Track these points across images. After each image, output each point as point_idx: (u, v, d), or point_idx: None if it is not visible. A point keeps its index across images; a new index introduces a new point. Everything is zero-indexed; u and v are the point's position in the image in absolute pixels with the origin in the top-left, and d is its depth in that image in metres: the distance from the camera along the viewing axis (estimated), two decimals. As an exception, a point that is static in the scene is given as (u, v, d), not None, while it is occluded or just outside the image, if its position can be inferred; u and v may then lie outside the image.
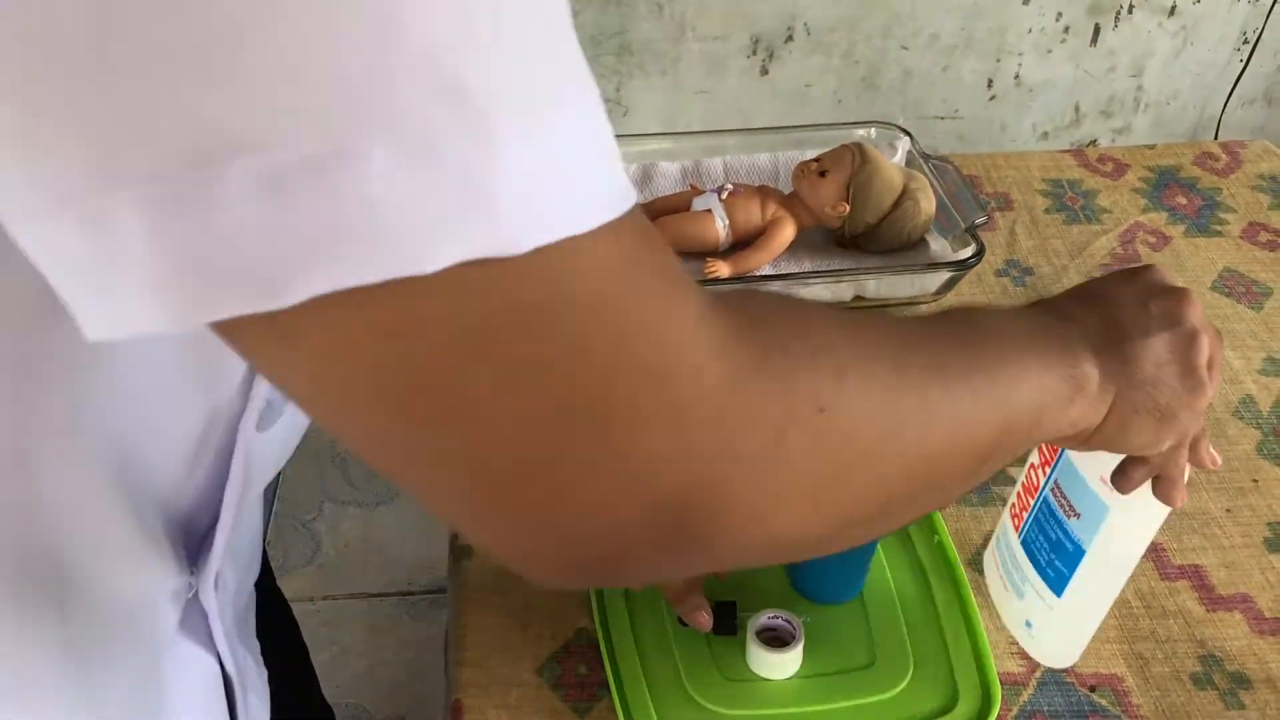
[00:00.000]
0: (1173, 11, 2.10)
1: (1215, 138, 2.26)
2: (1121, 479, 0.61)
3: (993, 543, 0.77)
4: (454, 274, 0.27)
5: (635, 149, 1.15)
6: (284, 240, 0.26)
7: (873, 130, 1.16)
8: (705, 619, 0.75)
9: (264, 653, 0.67)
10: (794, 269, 1.05)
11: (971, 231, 1.03)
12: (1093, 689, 0.76)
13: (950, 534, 0.84)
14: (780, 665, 0.74)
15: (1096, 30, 2.11)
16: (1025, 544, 0.72)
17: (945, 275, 1.03)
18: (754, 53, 2.06)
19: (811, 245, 1.07)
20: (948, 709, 0.73)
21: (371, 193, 0.26)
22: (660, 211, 1.07)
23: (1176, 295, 0.54)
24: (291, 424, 0.53)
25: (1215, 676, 0.77)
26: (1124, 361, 0.51)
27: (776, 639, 0.75)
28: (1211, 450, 0.61)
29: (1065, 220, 1.18)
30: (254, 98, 0.25)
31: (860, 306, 1.05)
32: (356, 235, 0.26)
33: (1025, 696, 0.76)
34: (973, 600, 0.80)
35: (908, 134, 1.14)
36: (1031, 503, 0.71)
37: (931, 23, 2.05)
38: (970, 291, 1.08)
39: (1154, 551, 0.84)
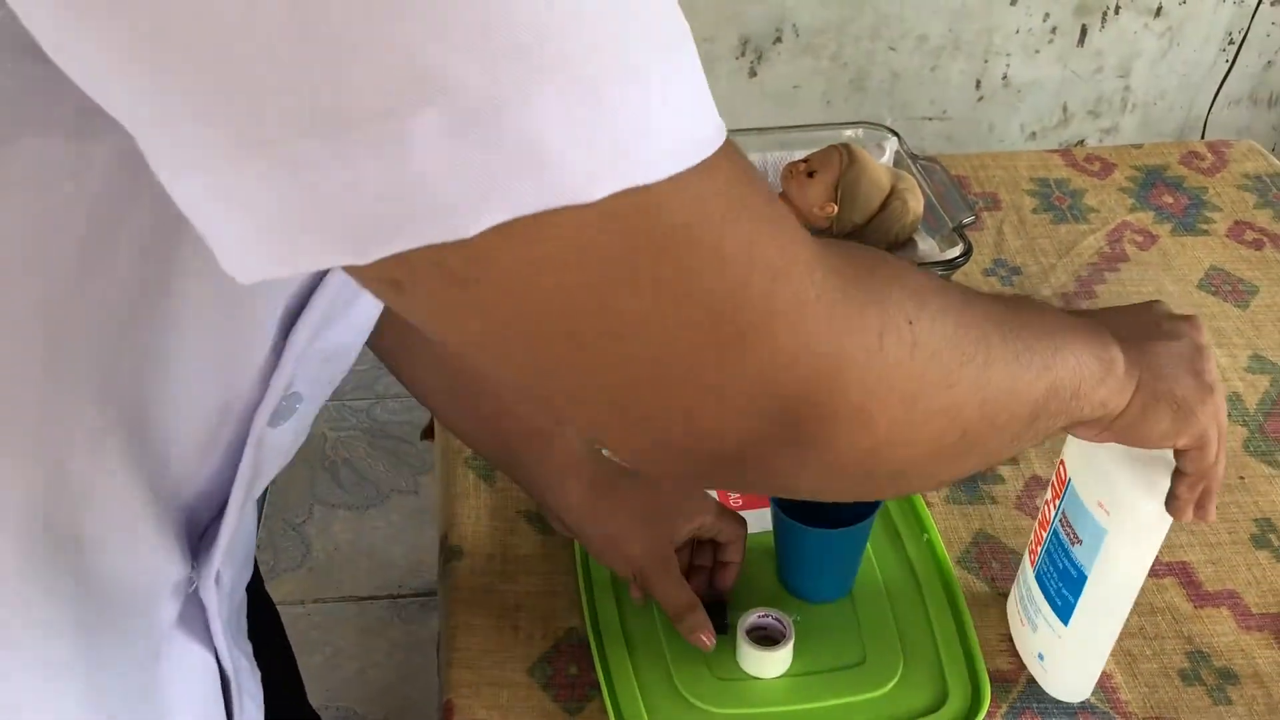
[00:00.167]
0: (1159, 12, 2.12)
1: (1202, 137, 2.27)
2: (1172, 501, 0.63)
3: (1014, 583, 0.78)
4: (611, 203, 0.30)
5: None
6: (466, 177, 0.28)
7: (861, 131, 1.16)
8: (707, 641, 0.75)
9: (252, 656, 0.67)
10: (783, 269, 1.05)
11: (959, 231, 1.03)
12: (1082, 686, 0.77)
13: (939, 532, 0.85)
14: (771, 663, 0.75)
15: (1084, 31, 2.12)
16: (1038, 576, 0.73)
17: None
18: (742, 54, 2.06)
19: (800, 245, 1.07)
20: (938, 706, 0.74)
21: (542, 132, 0.28)
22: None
23: (1186, 317, 0.60)
24: (299, 424, 0.53)
25: (1203, 672, 0.77)
26: (1145, 355, 0.56)
27: (767, 637, 0.76)
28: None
29: (1053, 220, 1.18)
30: (444, 48, 0.27)
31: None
32: (528, 171, 0.29)
33: (1015, 693, 0.76)
34: (962, 598, 0.80)
35: (896, 135, 1.15)
36: (1044, 535, 0.72)
37: (919, 24, 2.06)
38: (958, 291, 1.08)
39: (1142, 548, 0.84)
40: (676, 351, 0.35)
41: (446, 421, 0.83)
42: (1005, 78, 2.16)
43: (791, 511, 0.77)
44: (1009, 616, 0.80)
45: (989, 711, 0.73)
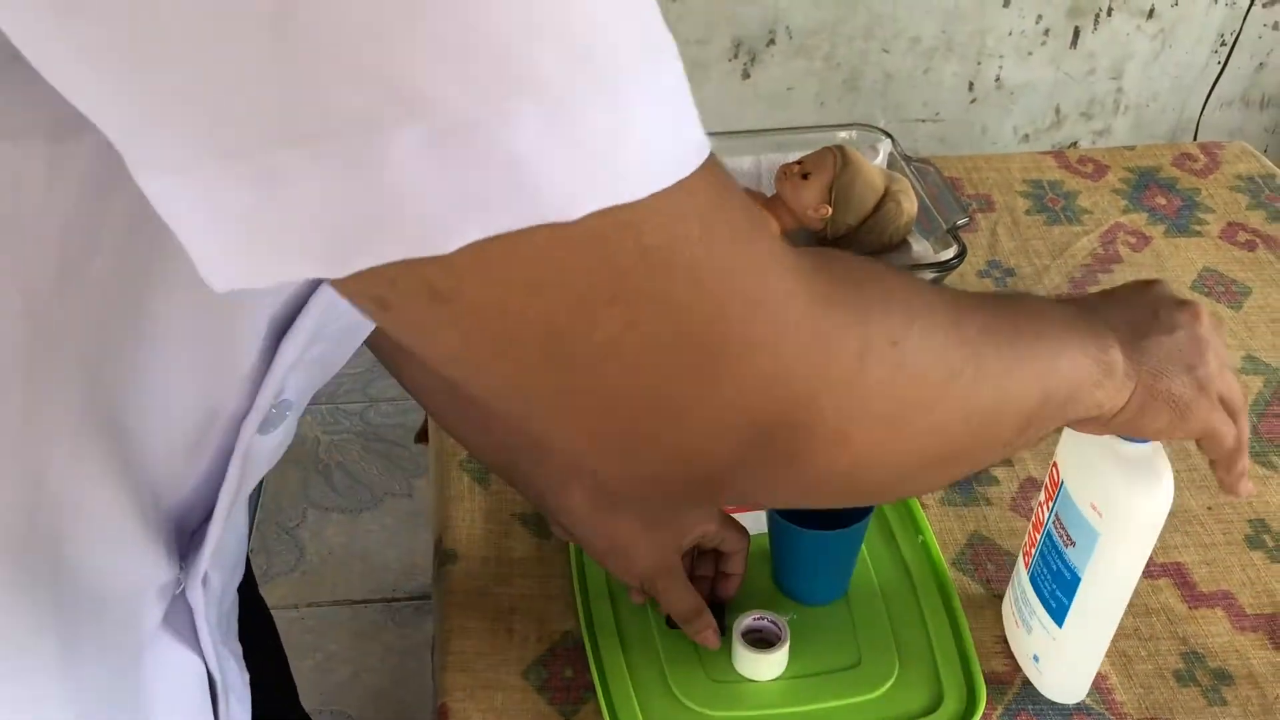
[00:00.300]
0: (1151, 14, 2.12)
1: (1194, 139, 2.28)
2: (1221, 485, 0.65)
3: (1009, 585, 0.79)
4: (590, 222, 0.30)
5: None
6: (443, 193, 0.28)
7: (854, 133, 1.16)
8: (714, 637, 0.75)
9: (243, 658, 0.67)
10: (777, 271, 1.05)
11: (953, 233, 1.03)
12: (1077, 687, 0.76)
13: (934, 534, 0.85)
14: (766, 666, 0.74)
15: (1076, 33, 2.13)
16: (1032, 578, 0.73)
17: (928, 276, 1.03)
18: (736, 56, 2.06)
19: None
20: (933, 708, 0.74)
21: (521, 150, 0.28)
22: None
23: (1184, 305, 0.60)
24: (287, 430, 0.53)
25: (1198, 673, 0.77)
26: (1143, 351, 0.56)
27: (762, 640, 0.76)
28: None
29: (1046, 221, 1.19)
30: (424, 67, 0.27)
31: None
32: (507, 189, 0.29)
33: (1010, 695, 0.76)
34: (957, 600, 0.80)
35: (889, 136, 1.15)
36: (1038, 537, 0.72)
37: (912, 26, 2.06)
38: (952, 292, 1.08)
39: (1136, 550, 0.84)
40: (651, 374, 0.34)
41: (444, 423, 0.83)
42: (998, 79, 2.16)
43: (786, 514, 0.76)
44: (1004, 618, 0.80)
45: (984, 713, 0.73)
